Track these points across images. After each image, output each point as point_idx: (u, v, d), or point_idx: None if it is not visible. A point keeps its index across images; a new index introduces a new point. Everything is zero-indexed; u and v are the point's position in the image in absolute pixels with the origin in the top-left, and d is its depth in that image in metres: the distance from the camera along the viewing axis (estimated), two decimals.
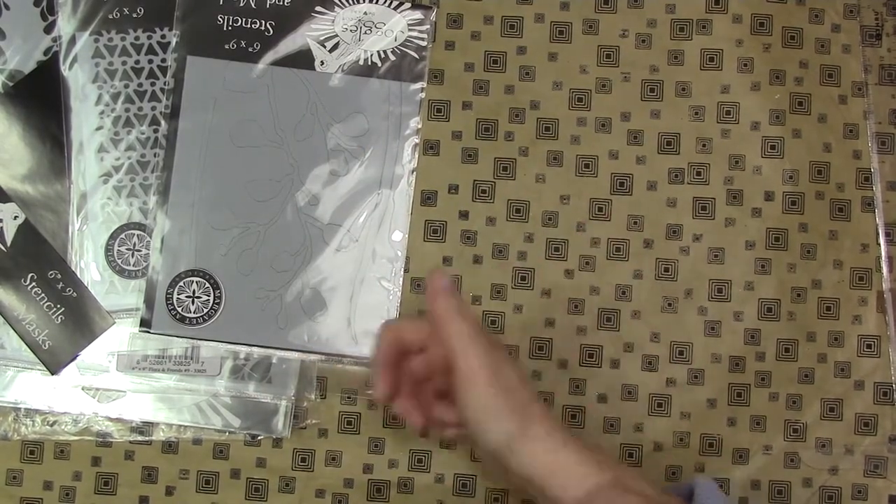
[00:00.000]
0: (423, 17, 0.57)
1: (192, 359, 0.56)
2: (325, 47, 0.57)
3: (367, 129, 0.57)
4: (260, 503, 0.56)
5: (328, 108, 0.57)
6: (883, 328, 0.56)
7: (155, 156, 0.56)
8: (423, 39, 0.57)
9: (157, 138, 0.56)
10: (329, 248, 0.56)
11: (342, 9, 0.57)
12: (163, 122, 0.56)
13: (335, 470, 0.56)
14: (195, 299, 0.55)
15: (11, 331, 0.55)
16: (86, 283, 0.56)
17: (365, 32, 0.57)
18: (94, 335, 0.56)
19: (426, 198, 0.57)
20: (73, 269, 0.56)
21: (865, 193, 0.57)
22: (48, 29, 0.56)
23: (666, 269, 0.57)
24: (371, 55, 0.57)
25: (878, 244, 0.57)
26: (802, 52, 0.57)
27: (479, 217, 0.57)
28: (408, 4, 0.57)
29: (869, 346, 0.56)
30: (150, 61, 0.57)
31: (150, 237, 0.56)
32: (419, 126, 0.57)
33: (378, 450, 0.56)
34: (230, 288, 0.56)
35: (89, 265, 0.56)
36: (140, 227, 0.56)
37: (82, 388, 0.56)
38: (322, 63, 0.57)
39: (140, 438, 0.56)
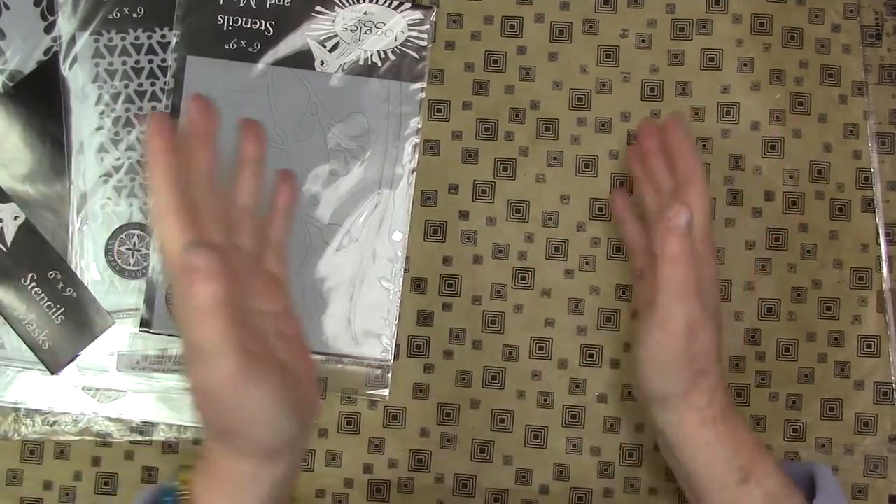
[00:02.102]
0: (423, 17, 0.57)
1: None
2: (325, 47, 0.57)
3: (368, 129, 0.57)
4: None
5: (328, 108, 0.57)
6: (883, 328, 0.56)
7: None
8: (423, 39, 0.57)
9: None
10: (329, 248, 0.56)
11: (342, 9, 0.57)
12: None
13: (335, 470, 0.56)
14: None
15: (11, 331, 0.55)
16: (86, 283, 0.56)
17: (365, 32, 0.57)
18: (94, 335, 0.56)
19: (426, 198, 0.57)
20: (74, 269, 0.56)
21: (865, 193, 0.57)
22: (48, 29, 0.56)
23: None
24: (371, 55, 0.57)
25: (878, 244, 0.57)
26: (802, 52, 0.57)
27: (480, 217, 0.57)
28: (408, 4, 0.57)
29: (869, 346, 0.56)
30: (151, 61, 0.56)
31: (150, 237, 0.56)
32: (419, 126, 0.57)
33: (378, 450, 0.56)
34: None
35: (89, 265, 0.56)
36: (140, 227, 0.56)
37: (82, 388, 0.56)
38: (322, 63, 0.57)
39: (140, 438, 0.56)
